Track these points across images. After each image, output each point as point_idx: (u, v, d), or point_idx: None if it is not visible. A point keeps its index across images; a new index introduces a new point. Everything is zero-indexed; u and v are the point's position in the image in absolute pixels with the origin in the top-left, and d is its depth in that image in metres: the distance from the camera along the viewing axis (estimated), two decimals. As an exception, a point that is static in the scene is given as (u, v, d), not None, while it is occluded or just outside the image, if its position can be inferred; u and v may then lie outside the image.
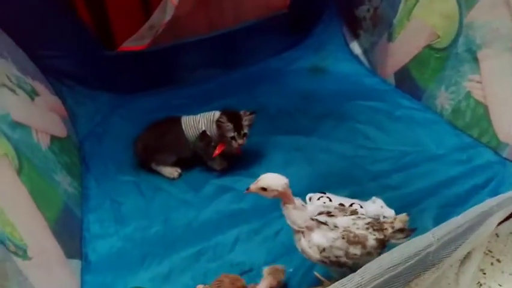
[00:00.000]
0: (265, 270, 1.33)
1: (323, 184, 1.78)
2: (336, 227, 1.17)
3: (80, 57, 2.21)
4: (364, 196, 1.62)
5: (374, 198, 1.59)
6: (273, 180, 1.14)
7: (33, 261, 1.21)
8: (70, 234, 1.54)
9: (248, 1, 2.55)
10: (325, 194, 1.62)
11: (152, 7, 2.27)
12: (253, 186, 1.17)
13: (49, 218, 1.40)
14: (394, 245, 1.08)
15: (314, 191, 1.66)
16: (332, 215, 1.20)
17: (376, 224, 1.20)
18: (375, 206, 1.56)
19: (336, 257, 1.16)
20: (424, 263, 1.12)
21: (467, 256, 1.31)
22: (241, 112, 1.78)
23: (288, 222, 1.19)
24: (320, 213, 1.20)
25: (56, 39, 2.10)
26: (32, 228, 1.31)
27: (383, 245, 1.19)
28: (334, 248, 1.16)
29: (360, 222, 1.19)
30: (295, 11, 2.70)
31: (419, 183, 1.77)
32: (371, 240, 1.17)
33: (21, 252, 1.18)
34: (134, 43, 2.31)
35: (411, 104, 2.26)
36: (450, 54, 2.02)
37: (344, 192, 1.67)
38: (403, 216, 1.22)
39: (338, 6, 2.77)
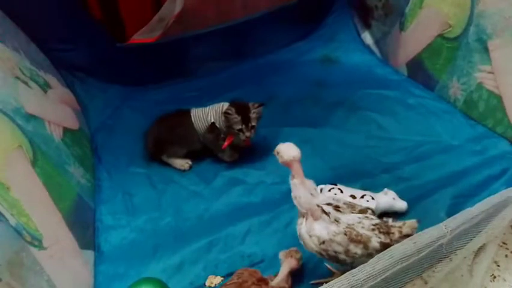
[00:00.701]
0: (281, 254, 1.33)
1: (334, 176, 1.76)
2: (337, 221, 1.16)
3: (91, 50, 2.22)
4: (376, 188, 1.61)
5: (385, 189, 1.58)
6: (285, 148, 1.19)
7: (48, 251, 1.24)
8: (83, 225, 1.56)
9: (258, -8, 2.53)
10: (336, 185, 1.61)
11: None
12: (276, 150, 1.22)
13: (63, 209, 1.42)
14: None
15: (325, 183, 1.65)
16: (339, 210, 1.19)
17: (383, 227, 1.18)
18: (387, 198, 1.56)
19: (335, 252, 1.16)
20: (437, 255, 1.11)
21: (482, 248, 1.29)
22: (250, 104, 1.77)
23: (292, 197, 1.19)
24: (328, 204, 1.19)
25: (67, 32, 2.12)
26: (47, 219, 1.33)
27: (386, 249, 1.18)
28: (334, 242, 1.15)
29: (367, 222, 1.18)
30: (306, 2, 2.66)
31: (432, 175, 1.75)
32: (375, 242, 1.15)
33: (37, 242, 1.21)
34: (144, 35, 2.32)
35: (424, 94, 2.23)
36: (461, 44, 1.98)
37: (355, 185, 1.66)
38: (413, 222, 1.19)
39: (349, -5, 2.74)
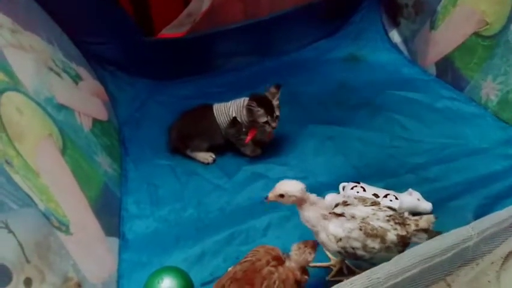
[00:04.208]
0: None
1: (356, 174, 1.75)
2: (353, 217, 1.14)
3: (121, 44, 2.28)
4: (400, 188, 1.58)
5: (410, 190, 1.55)
6: (290, 186, 1.13)
7: (74, 237, 1.27)
8: (109, 213, 1.60)
9: (284, -12, 2.52)
10: (359, 183, 1.59)
11: (191, -5, 2.30)
12: (271, 194, 1.16)
13: (90, 197, 1.46)
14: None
15: (347, 181, 1.64)
16: (348, 204, 1.17)
17: (398, 218, 1.16)
18: (411, 198, 1.52)
19: (353, 248, 1.14)
20: (463, 258, 1.07)
21: (511, 253, 1.25)
22: (267, 93, 1.76)
23: (302, 220, 1.18)
24: (337, 205, 1.18)
25: (99, 26, 2.18)
26: (74, 206, 1.37)
27: (404, 243, 1.15)
28: (351, 238, 1.13)
29: (381, 214, 1.15)
30: (334, -1, 2.64)
31: (459, 177, 1.70)
32: (392, 235, 1.13)
33: (64, 227, 1.24)
34: (172, 30, 2.36)
35: (453, 95, 2.17)
36: (499, 42, 1.91)
37: (379, 184, 1.63)
38: (430, 216, 1.17)
39: (378, -7, 2.69)
